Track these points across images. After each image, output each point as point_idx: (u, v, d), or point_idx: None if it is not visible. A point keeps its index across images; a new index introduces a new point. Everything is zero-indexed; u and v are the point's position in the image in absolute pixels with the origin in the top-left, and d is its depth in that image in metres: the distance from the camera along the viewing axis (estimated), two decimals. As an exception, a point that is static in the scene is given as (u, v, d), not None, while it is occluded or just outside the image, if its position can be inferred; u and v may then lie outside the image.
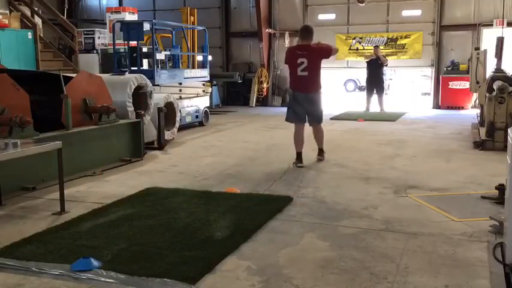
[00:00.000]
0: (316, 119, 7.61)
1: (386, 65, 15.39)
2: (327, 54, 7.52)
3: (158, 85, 10.64)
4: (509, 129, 3.87)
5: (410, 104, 16.65)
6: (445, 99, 16.05)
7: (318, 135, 7.75)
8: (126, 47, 11.60)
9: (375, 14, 16.76)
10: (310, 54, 7.33)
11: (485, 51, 11.33)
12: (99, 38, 14.94)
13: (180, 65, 13.38)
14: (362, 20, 16.88)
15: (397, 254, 3.96)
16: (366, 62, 15.24)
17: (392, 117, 13.55)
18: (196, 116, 12.32)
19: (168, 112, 9.53)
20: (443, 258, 3.90)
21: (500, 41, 10.99)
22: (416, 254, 3.98)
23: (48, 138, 5.95)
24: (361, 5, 14.72)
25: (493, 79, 9.56)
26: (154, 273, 3.55)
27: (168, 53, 12.49)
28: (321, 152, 7.77)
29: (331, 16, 17.38)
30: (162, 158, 8.32)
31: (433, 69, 16.64)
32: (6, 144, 4.72)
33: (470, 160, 7.85)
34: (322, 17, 17.44)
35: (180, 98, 11.53)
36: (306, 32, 7.53)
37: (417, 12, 16.50)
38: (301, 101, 7.48)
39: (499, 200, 5.09)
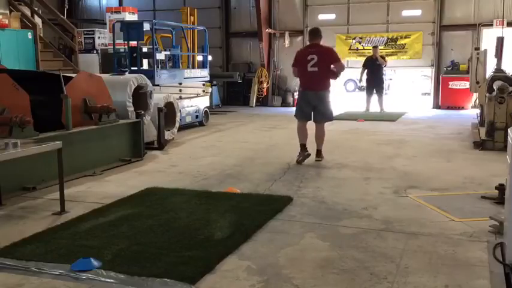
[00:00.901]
0: (325, 116, 7.76)
1: (385, 66, 15.38)
2: (334, 59, 7.71)
3: (158, 85, 10.64)
4: (509, 129, 3.87)
5: (410, 104, 16.66)
6: (445, 99, 16.05)
7: (319, 135, 7.80)
8: (126, 47, 11.59)
9: (375, 14, 16.77)
10: (320, 51, 7.63)
11: (485, 51, 11.33)
12: (99, 38, 14.92)
13: (180, 65, 13.37)
14: (362, 20, 16.88)
15: (397, 254, 3.96)
16: (363, 66, 15.14)
17: (392, 117, 13.54)
18: (196, 116, 12.32)
19: (168, 112, 9.53)
20: (443, 258, 3.90)
21: (500, 41, 10.99)
22: (416, 254, 3.98)
23: (48, 138, 5.95)
24: None
25: (493, 79, 9.57)
26: (154, 273, 3.55)
27: (168, 53, 12.48)
28: (319, 153, 7.80)
29: (331, 16, 17.37)
30: (162, 158, 8.31)
31: (433, 69, 16.64)
32: (6, 144, 4.72)
33: (470, 160, 7.85)
34: (322, 17, 17.43)
35: (180, 98, 11.53)
36: (314, 33, 7.89)
37: (417, 12, 16.50)
38: (310, 100, 7.67)
39: (499, 200, 5.09)
